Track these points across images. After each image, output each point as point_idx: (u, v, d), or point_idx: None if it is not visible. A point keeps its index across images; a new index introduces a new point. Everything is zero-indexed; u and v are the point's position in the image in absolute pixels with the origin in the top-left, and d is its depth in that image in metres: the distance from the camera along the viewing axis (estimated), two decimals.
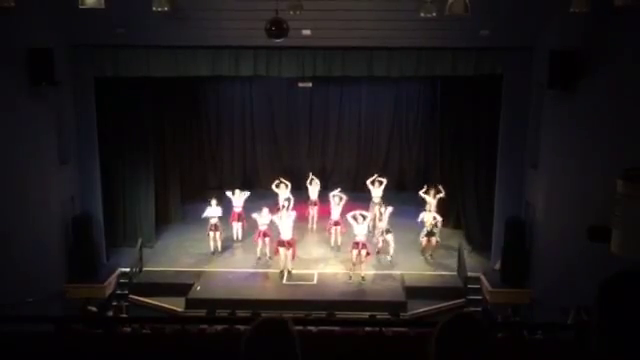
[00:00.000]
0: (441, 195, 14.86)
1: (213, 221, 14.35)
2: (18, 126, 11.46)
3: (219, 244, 14.56)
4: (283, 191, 15.52)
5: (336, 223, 14.57)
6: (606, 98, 10.48)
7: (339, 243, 14.63)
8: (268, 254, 13.89)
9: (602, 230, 8.84)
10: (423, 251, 14.40)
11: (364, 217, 13.37)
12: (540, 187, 12.51)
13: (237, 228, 15.04)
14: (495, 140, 13.49)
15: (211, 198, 14.64)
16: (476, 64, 12.74)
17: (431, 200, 14.80)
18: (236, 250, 14.83)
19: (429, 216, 14.20)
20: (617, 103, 10.31)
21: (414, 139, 18.89)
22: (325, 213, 15.57)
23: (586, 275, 8.76)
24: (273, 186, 15.74)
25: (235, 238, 15.08)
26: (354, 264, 13.14)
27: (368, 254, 13.20)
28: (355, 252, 13.02)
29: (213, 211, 14.34)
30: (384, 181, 15.79)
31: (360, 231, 13.10)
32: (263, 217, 13.76)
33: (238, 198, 15.01)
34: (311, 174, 16.28)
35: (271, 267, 13.81)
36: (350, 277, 13.24)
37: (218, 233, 14.48)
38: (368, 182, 15.89)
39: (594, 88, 10.73)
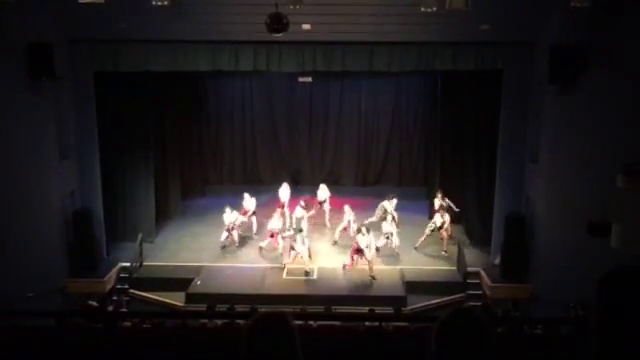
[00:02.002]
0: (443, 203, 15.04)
1: (231, 225, 14.53)
2: (18, 121, 11.44)
3: (235, 240, 14.70)
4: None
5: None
6: (606, 93, 10.46)
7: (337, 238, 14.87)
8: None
9: (602, 225, 8.83)
10: (420, 244, 14.54)
11: (368, 230, 13.41)
12: (540, 182, 12.51)
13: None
14: (495, 135, 13.49)
15: (225, 206, 14.65)
16: (476, 59, 12.72)
17: (441, 203, 14.90)
18: (237, 245, 14.83)
19: (440, 220, 14.37)
20: (617, 98, 10.29)
21: (414, 134, 18.86)
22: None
23: (586, 270, 8.77)
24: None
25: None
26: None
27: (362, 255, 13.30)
28: (356, 257, 13.26)
29: (230, 217, 14.49)
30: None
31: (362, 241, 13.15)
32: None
33: (249, 201, 15.25)
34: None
35: (272, 261, 13.85)
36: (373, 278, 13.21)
37: (235, 232, 14.63)
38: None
39: (595, 83, 10.70)
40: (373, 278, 13.09)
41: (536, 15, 11.83)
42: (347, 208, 14.88)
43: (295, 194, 16.21)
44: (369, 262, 13.12)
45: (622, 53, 10.04)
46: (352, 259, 13.29)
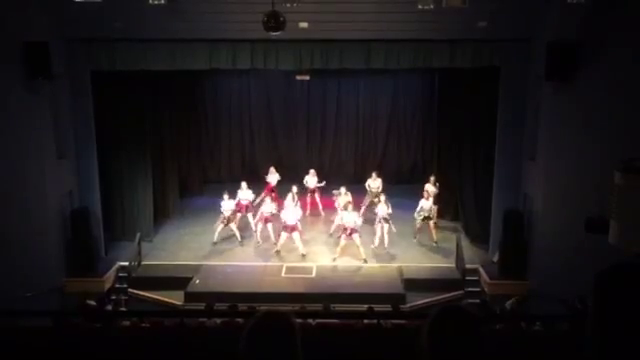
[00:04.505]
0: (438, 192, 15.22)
1: (227, 214, 14.45)
2: (15, 121, 11.42)
3: (236, 231, 14.63)
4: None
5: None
6: (604, 89, 10.48)
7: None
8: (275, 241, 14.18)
9: (600, 222, 8.84)
10: (417, 233, 14.63)
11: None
12: (538, 179, 12.52)
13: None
14: (493, 132, 13.49)
15: (223, 192, 14.69)
16: (474, 56, 12.72)
17: (432, 190, 14.96)
18: (235, 243, 14.81)
19: (428, 203, 14.34)
20: (615, 94, 10.31)
21: (412, 131, 18.87)
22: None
23: (584, 266, 8.77)
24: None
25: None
26: (342, 249, 13.65)
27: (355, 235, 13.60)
28: (344, 237, 13.51)
29: (228, 204, 14.45)
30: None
31: (349, 218, 13.48)
32: (266, 205, 14.38)
33: (245, 192, 15.12)
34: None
35: (270, 260, 13.86)
36: (334, 259, 13.67)
37: (232, 224, 14.58)
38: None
39: (592, 80, 10.72)
40: (365, 261, 13.54)
41: (533, 12, 11.84)
42: (343, 190, 15.10)
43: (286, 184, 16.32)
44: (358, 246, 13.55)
45: (619, 49, 10.05)
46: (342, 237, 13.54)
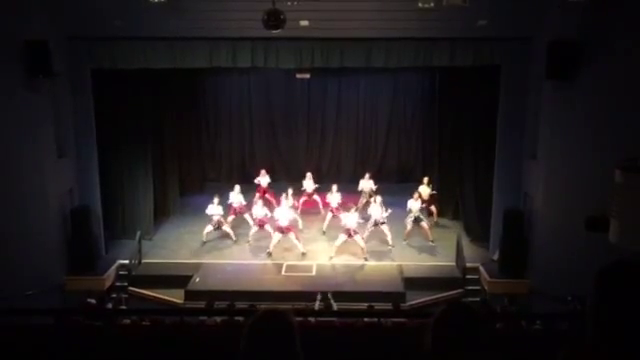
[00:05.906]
0: (434, 192, 15.38)
1: (215, 218, 14.47)
2: (15, 119, 11.41)
3: (229, 231, 14.64)
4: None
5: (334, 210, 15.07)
6: (605, 88, 10.46)
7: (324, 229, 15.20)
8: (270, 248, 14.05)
9: (600, 220, 8.83)
10: (407, 236, 14.64)
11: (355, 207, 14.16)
12: (538, 177, 12.52)
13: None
14: (494, 131, 13.50)
15: (214, 196, 14.71)
16: (474, 54, 12.72)
17: (425, 191, 15.01)
18: (234, 242, 14.81)
19: (416, 204, 14.34)
20: (616, 93, 10.29)
21: (413, 130, 18.85)
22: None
23: (584, 265, 8.77)
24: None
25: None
26: (339, 248, 13.72)
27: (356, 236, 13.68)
28: (344, 237, 13.54)
29: (215, 209, 14.47)
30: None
31: (350, 220, 13.51)
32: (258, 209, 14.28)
33: (237, 195, 15.10)
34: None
35: (269, 259, 13.86)
36: (331, 258, 13.73)
37: (224, 226, 14.62)
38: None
39: (593, 78, 10.71)
40: (365, 259, 13.66)
41: (533, 10, 11.82)
42: (334, 188, 15.19)
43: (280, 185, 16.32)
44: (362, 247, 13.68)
45: (620, 48, 10.04)
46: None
